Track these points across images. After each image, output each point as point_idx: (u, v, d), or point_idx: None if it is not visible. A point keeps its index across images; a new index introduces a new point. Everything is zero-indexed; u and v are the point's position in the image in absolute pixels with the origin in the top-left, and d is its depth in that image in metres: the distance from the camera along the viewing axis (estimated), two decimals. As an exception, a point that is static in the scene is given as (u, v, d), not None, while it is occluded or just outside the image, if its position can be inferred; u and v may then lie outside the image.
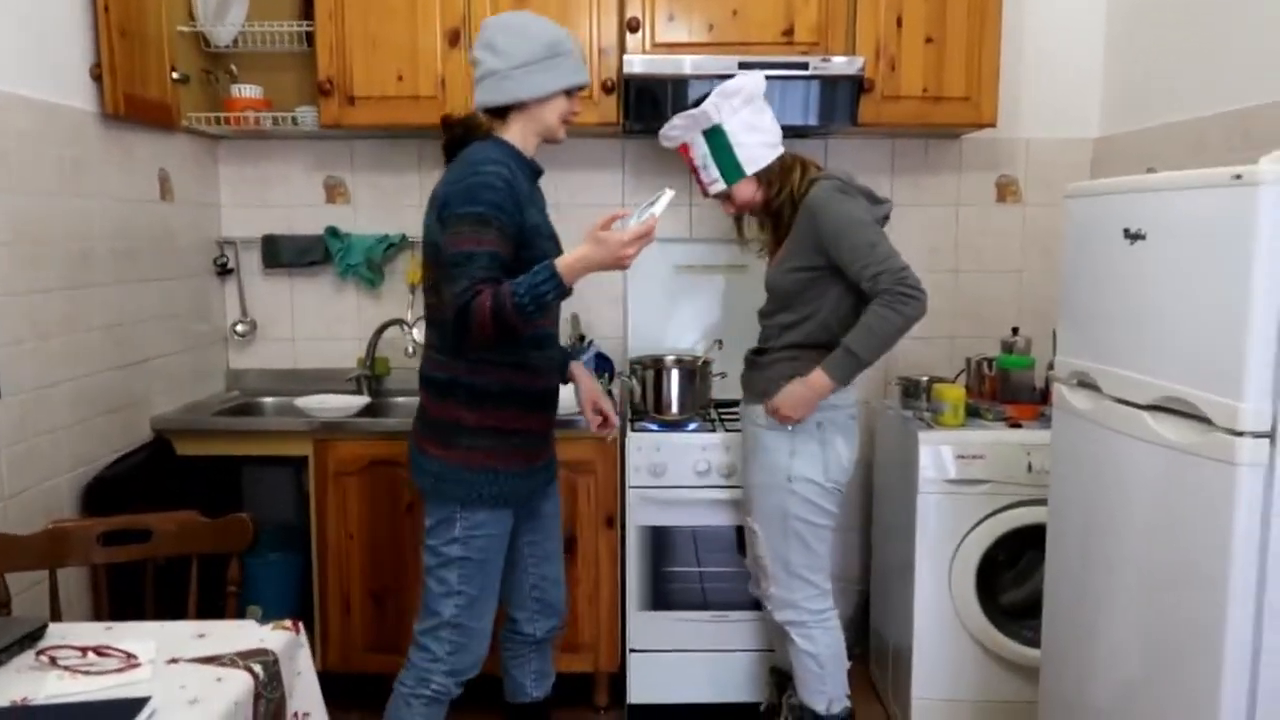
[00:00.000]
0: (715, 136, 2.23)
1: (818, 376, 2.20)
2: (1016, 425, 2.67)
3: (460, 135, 2.07)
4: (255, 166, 3.23)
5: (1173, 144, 2.68)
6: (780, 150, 2.28)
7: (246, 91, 2.98)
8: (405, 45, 2.80)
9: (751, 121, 2.23)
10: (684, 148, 2.30)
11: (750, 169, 2.25)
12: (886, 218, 2.29)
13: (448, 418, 2.02)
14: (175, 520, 1.94)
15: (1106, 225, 1.89)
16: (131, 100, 2.56)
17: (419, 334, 3.06)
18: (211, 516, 1.95)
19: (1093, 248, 1.97)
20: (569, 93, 2.04)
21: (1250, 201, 1.53)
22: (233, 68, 3.04)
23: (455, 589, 2.03)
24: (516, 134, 2.04)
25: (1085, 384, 1.99)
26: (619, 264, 1.86)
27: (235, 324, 3.24)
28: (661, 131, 2.32)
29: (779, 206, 2.29)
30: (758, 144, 2.24)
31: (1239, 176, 1.55)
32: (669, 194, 1.85)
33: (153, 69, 2.68)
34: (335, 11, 2.78)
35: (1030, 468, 2.55)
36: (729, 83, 2.22)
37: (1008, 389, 2.83)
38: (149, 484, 2.56)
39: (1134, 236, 1.81)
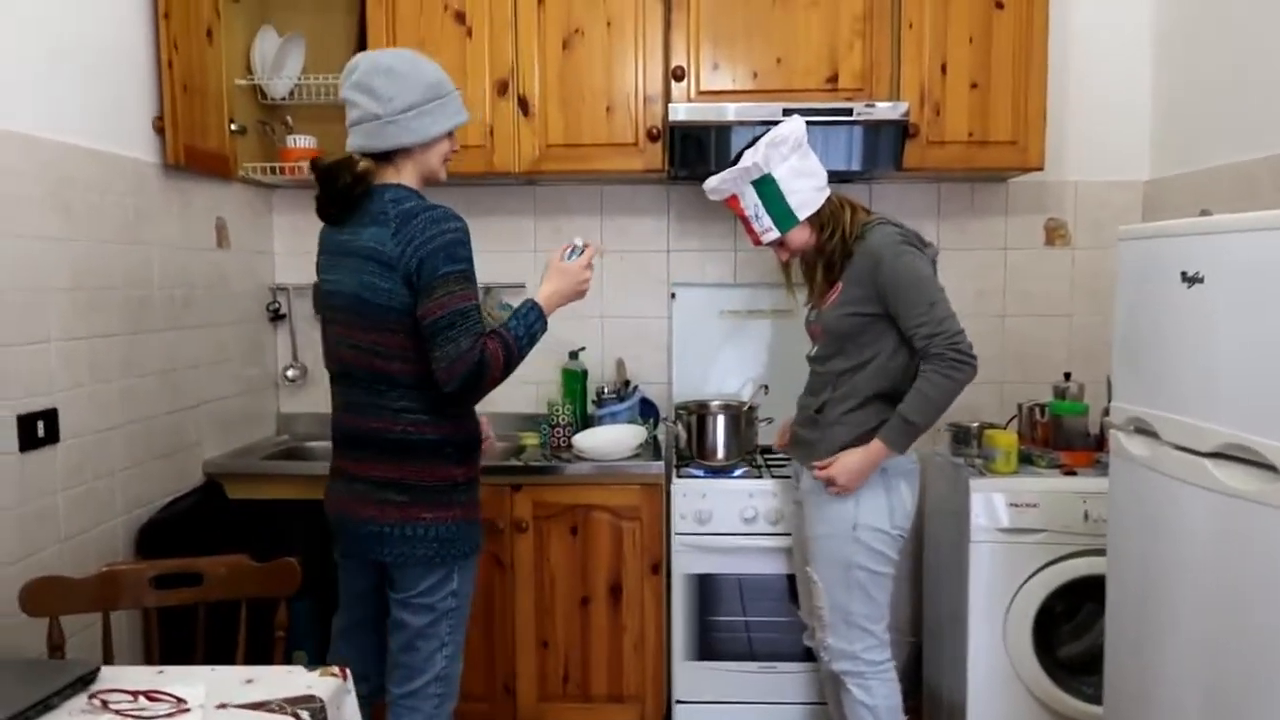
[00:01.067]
0: (765, 186, 2.23)
1: (876, 447, 2.19)
2: (1071, 473, 2.61)
3: (350, 183, 1.97)
4: (308, 215, 3.22)
5: (1223, 186, 2.64)
6: (828, 192, 2.28)
7: (301, 142, 3.05)
8: (454, 96, 2.85)
9: (799, 167, 2.23)
10: (732, 199, 2.30)
11: (803, 214, 2.25)
12: (934, 262, 2.27)
13: (439, 479, 1.96)
14: (225, 564, 1.96)
15: (1162, 268, 1.86)
16: (191, 151, 2.63)
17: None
18: (260, 560, 1.97)
19: (1148, 291, 1.93)
20: (450, 133, 2.02)
21: (1313, 244, 1.50)
22: (288, 119, 3.13)
23: (444, 640, 2.00)
24: (409, 178, 2.00)
25: (1143, 430, 1.95)
26: (582, 289, 2.06)
27: (286, 369, 3.29)
28: (710, 185, 2.31)
29: (831, 249, 2.28)
30: (808, 189, 2.24)
31: (1300, 218, 1.53)
32: (579, 240, 2.09)
33: (212, 121, 2.77)
34: (387, 64, 2.84)
35: (1087, 516, 2.49)
36: (774, 131, 2.22)
37: (1061, 435, 2.77)
38: (200, 527, 2.60)
39: (1191, 280, 1.77)
